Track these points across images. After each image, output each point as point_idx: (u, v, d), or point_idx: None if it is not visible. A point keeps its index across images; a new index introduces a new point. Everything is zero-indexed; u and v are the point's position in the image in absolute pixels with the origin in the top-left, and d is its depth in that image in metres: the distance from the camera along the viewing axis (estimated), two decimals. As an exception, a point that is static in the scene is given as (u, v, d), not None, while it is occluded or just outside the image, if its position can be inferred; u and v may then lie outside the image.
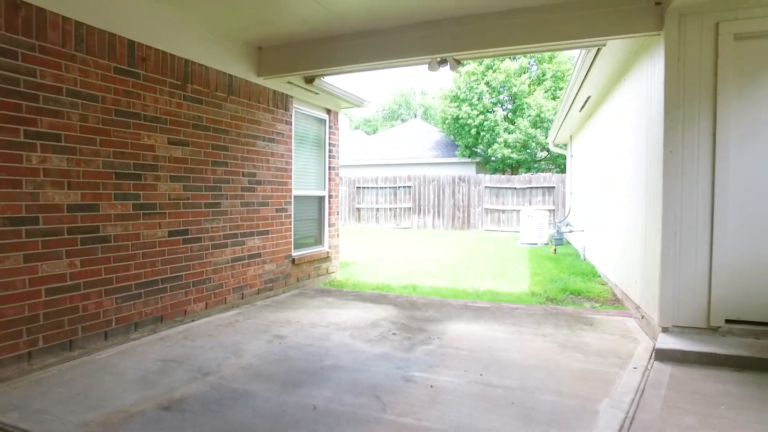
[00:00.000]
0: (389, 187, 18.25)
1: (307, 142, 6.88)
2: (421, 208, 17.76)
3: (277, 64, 5.54)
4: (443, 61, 4.96)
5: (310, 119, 6.90)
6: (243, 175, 5.44)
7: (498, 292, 6.25)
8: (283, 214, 6.16)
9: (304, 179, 6.79)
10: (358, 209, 18.71)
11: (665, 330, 3.87)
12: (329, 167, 7.31)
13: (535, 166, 20.24)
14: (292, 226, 6.39)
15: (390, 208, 18.23)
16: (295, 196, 6.47)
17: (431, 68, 5.04)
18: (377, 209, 18.43)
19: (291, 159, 6.31)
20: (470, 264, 8.75)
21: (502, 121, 18.28)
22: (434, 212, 17.56)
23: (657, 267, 3.98)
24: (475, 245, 11.98)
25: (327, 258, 7.23)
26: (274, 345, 3.93)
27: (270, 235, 5.90)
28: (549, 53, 18.58)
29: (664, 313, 3.89)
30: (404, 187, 18.04)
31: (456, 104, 19.17)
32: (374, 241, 13.00)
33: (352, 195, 18.75)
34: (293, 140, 6.38)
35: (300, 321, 4.69)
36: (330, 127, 7.32)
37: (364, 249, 11.37)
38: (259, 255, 5.71)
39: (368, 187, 18.58)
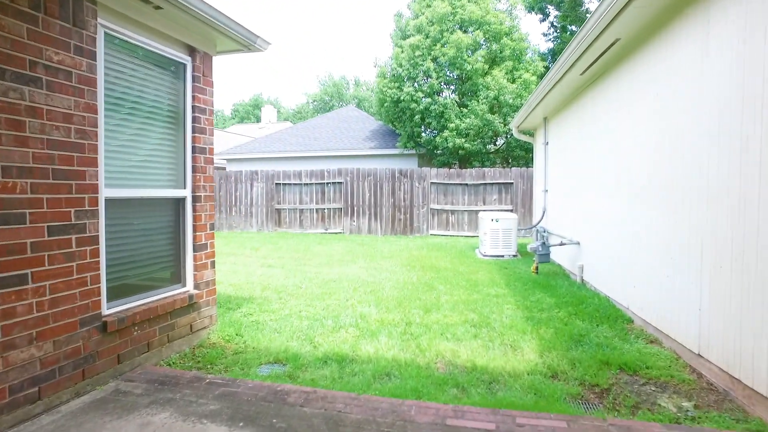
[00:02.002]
0: (316, 184, 15.33)
1: (145, 100, 3.87)
2: (355, 208, 15.00)
3: None
4: None
5: (148, 59, 3.90)
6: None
7: (490, 371, 3.63)
8: (74, 236, 3.15)
9: (135, 168, 3.80)
10: (278, 210, 15.63)
11: None
12: (194, 149, 4.34)
13: (490, 158, 18.11)
14: (103, 257, 3.39)
15: (317, 209, 15.32)
16: (108, 200, 3.47)
17: None
18: (301, 210, 15.45)
19: (97, 126, 3.30)
20: (427, 297, 6.11)
21: (452, 105, 15.90)
22: (370, 213, 14.88)
23: None
24: (424, 258, 9.44)
25: (191, 306, 4.28)
26: None
27: (31, 285, 2.87)
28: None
29: None
30: (334, 183, 15.20)
31: (397, 84, 16.55)
32: (293, 254, 10.08)
33: (271, 193, 15.63)
34: (101, 90, 3.36)
35: None
36: (195, 80, 4.34)
37: (276, 267, 8.44)
38: (-4, 331, 2.69)
39: (290, 184, 15.54)
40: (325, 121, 24.06)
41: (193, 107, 4.30)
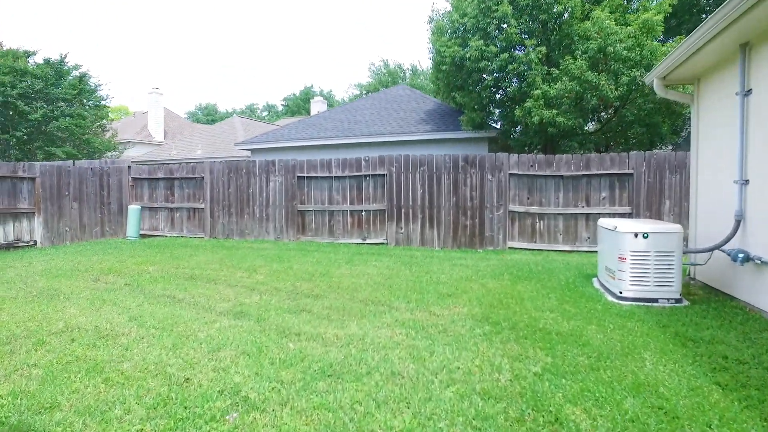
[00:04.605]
0: (350, 177, 11.77)
1: None
2: (402, 210, 11.30)
3: None
4: None
5: None
6: None
7: None
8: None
9: None
10: (301, 213, 12.21)
11: None
12: None
13: (591, 139, 13.71)
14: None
15: (351, 212, 11.76)
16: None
17: None
18: (331, 213, 11.94)
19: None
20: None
21: (537, 62, 11.71)
22: (424, 217, 11.12)
23: None
24: (510, 299, 5.59)
25: None
26: None
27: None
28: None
29: None
30: (374, 176, 11.57)
31: (459, 40, 12.55)
32: (296, 285, 6.50)
33: (291, 190, 12.23)
34: None
35: None
36: None
37: (245, 317, 4.86)
38: None
39: (316, 177, 12.08)
40: (369, 103, 20.49)
41: None
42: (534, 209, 10.43)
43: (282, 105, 64.19)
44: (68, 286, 6.79)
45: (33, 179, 11.30)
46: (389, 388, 3.31)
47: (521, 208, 10.51)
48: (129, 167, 13.69)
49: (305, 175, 12.13)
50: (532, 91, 11.68)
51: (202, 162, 13.31)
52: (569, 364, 3.65)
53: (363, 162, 11.66)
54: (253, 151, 19.00)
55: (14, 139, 21.56)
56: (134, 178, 13.66)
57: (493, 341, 4.24)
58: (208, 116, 61.38)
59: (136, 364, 3.74)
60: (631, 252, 5.40)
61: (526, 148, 13.60)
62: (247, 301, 5.86)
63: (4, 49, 22.75)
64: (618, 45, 10.78)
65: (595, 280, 6.82)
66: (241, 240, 12.49)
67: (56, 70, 22.97)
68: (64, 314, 5.24)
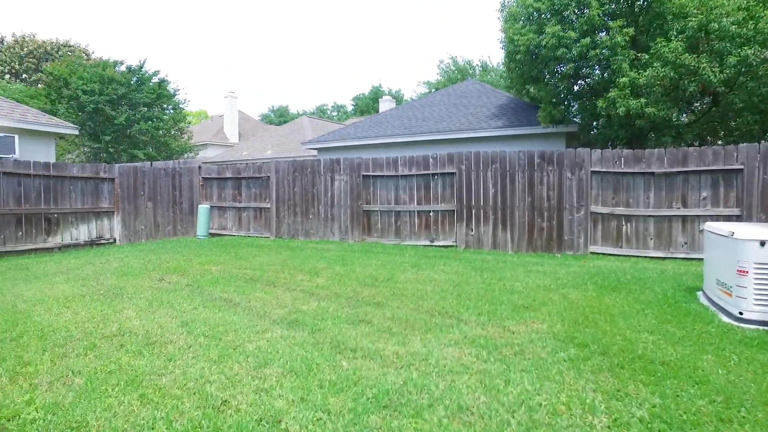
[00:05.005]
0: (418, 176, 11.22)
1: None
2: (473, 210, 10.59)
3: None
4: None
5: None
6: None
7: None
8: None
9: None
10: (366, 213, 11.83)
11: None
12: None
13: (687, 131, 12.21)
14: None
15: (419, 212, 11.21)
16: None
17: None
18: (397, 213, 11.45)
19: None
20: None
21: (623, 45, 10.49)
22: (496, 219, 10.35)
23: None
24: (597, 314, 4.80)
25: None
26: None
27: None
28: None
29: None
30: (443, 174, 10.94)
31: (534, 27, 11.59)
32: (357, 290, 6.05)
33: (356, 190, 11.88)
34: None
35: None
36: None
37: (299, 327, 4.44)
38: None
39: (382, 176, 11.64)
40: (438, 99, 19.82)
41: None
42: (620, 210, 9.36)
43: (351, 105, 64.84)
44: (133, 285, 6.77)
45: (112, 180, 11.74)
46: (455, 427, 2.74)
47: (605, 209, 9.48)
48: (199, 167, 13.97)
49: (371, 174, 11.72)
50: (617, 79, 10.50)
51: (268, 161, 13.29)
52: (686, 410, 2.89)
53: (431, 160, 11.07)
54: (319, 150, 18.96)
55: (103, 143, 23.01)
56: (204, 178, 13.92)
57: (582, 370, 3.53)
58: (281, 117, 63.19)
59: (176, 378, 3.42)
60: (756, 265, 4.43)
61: (610, 143, 12.38)
62: (303, 307, 5.48)
63: (93, 59, 24.36)
64: (724, 20, 9.36)
65: (700, 294, 5.82)
66: (305, 240, 12.32)
67: (139, 76, 24.31)
68: (121, 316, 5.11)
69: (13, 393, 3.25)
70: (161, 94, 24.87)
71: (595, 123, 13.30)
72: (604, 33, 11.10)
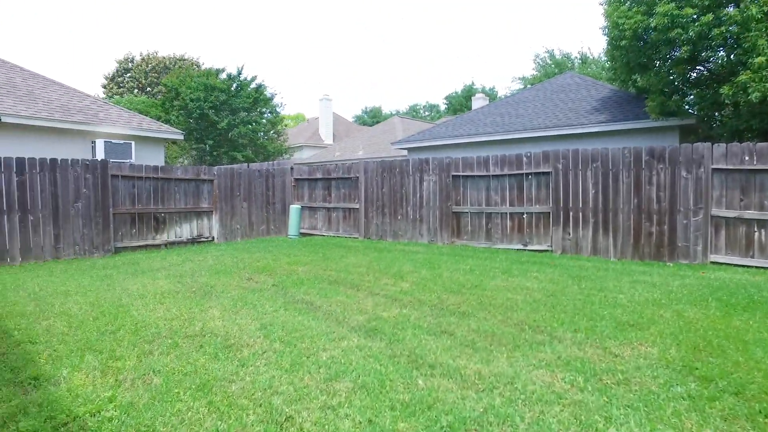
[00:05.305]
0: (510, 176, 10.61)
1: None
2: (570, 213, 9.78)
3: None
4: None
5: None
6: None
7: None
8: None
9: None
10: (456, 215, 11.41)
11: None
12: None
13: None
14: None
15: (511, 214, 10.59)
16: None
17: None
18: (488, 215, 10.91)
19: None
20: None
21: (759, 20, 9.00)
22: (596, 222, 9.46)
23: None
24: (731, 344, 4.05)
25: None
26: None
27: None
28: None
29: None
30: (537, 174, 10.24)
31: (642, 7, 10.35)
32: (442, 297, 5.70)
33: (446, 190, 11.51)
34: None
35: None
36: None
37: (377, 336, 4.18)
38: None
39: (472, 176, 11.15)
40: (532, 94, 18.79)
41: None
42: (750, 214, 8.10)
43: (444, 104, 64.14)
44: (223, 283, 6.98)
45: (211, 181, 12.42)
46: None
47: (731, 213, 8.26)
48: (292, 168, 14.37)
49: (460, 173, 11.28)
50: (749, 60, 9.03)
51: (357, 162, 13.33)
52: None
53: (524, 158, 10.40)
54: (409, 150, 18.79)
55: (208, 147, 24.72)
56: (296, 179, 14.30)
57: (708, 414, 2.92)
58: (373, 118, 64.15)
59: (245, 386, 3.33)
60: None
61: (736, 137, 10.84)
62: (384, 314, 5.25)
63: (201, 70, 26.24)
64: None
65: None
66: (393, 242, 12.17)
67: (238, 83, 25.84)
68: (206, 315, 5.22)
69: (102, 387, 3.35)
70: (258, 98, 26.21)
71: (716, 114, 11.75)
72: (732, 7, 9.65)
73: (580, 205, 9.63)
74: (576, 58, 45.55)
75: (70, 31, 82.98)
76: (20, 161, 9.30)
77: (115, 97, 38.16)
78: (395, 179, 12.37)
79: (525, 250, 10.25)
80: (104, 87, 42.50)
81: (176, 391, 3.26)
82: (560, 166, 9.85)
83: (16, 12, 73.58)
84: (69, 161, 9.91)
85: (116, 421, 2.87)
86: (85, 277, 7.61)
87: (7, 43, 69.79)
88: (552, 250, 9.95)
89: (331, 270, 8.09)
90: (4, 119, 11.79)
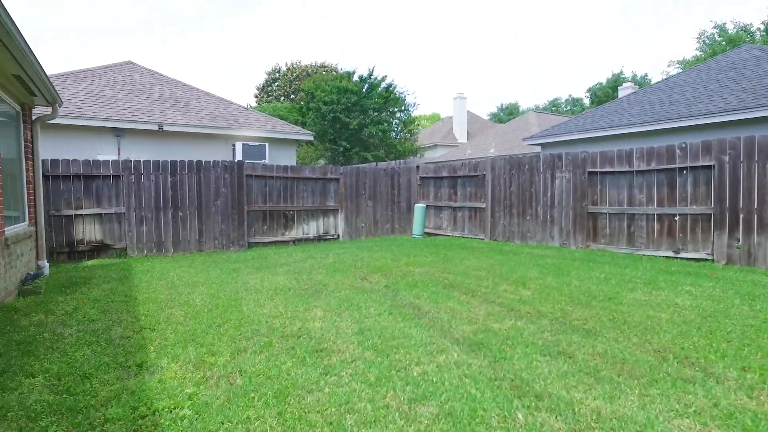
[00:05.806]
0: (659, 171, 9.14)
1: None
2: (740, 215, 8.07)
3: None
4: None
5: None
6: None
7: None
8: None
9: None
10: (593, 215, 10.19)
11: None
12: None
13: None
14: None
15: (659, 215, 9.12)
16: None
17: None
18: (631, 216, 9.54)
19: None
20: None
21: None
22: (777, 226, 7.67)
23: None
24: None
25: None
26: None
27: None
28: None
29: None
30: (694, 168, 8.66)
31: None
32: (570, 313, 4.91)
33: (580, 188, 10.34)
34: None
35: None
36: None
37: (507, 381, 3.64)
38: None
39: (612, 173, 9.85)
40: (692, 77, 16.21)
41: None
42: None
43: (587, 97, 59.42)
44: (336, 282, 6.94)
45: (337, 180, 12.71)
46: None
47: None
48: (417, 167, 14.16)
49: (598, 170, 10.04)
50: None
51: (483, 159, 12.64)
52: None
53: (677, 151, 8.87)
54: (543, 145, 17.46)
55: (341, 147, 25.73)
56: (421, 177, 14.05)
57: None
58: (510, 115, 61.80)
59: (321, 399, 3.06)
60: None
61: None
62: (495, 326, 4.68)
63: (337, 74, 27.38)
64: None
65: None
66: (521, 244, 11.28)
67: (369, 84, 26.47)
68: (308, 315, 5.14)
69: (188, 382, 3.35)
70: (388, 98, 26.59)
71: None
72: None
73: (755, 206, 7.89)
74: (758, 30, 38.65)
75: (225, 48, 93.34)
76: (173, 164, 10.38)
77: (263, 104, 41.86)
78: (524, 176, 11.46)
79: (676, 258, 8.73)
80: (255, 97, 46.87)
81: (252, 395, 3.12)
82: (727, 159, 8.18)
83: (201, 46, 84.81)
84: (211, 163, 10.83)
85: (186, 421, 2.79)
86: (216, 270, 8.16)
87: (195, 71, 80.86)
88: (713, 260, 8.32)
89: (449, 273, 7.64)
90: (166, 128, 13.38)
